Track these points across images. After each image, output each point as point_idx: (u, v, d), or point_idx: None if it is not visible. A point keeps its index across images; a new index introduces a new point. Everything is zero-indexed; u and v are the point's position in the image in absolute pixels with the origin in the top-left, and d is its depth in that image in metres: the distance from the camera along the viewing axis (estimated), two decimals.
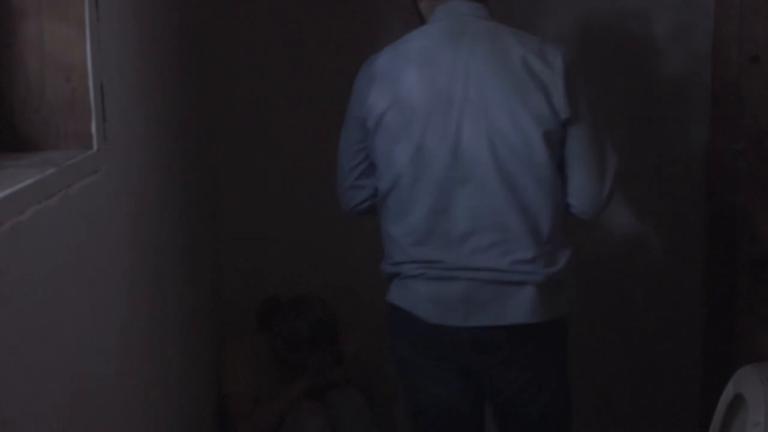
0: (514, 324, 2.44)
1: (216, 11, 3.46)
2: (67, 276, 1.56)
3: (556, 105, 2.40)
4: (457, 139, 2.39)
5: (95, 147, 1.75)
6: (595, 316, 3.65)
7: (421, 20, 2.66)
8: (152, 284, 2.28)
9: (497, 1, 3.17)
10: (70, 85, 1.74)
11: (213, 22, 3.45)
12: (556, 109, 2.40)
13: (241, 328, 3.54)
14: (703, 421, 3.56)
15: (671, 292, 3.69)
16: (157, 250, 2.37)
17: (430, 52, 2.47)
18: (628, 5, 3.54)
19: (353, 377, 3.53)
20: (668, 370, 3.75)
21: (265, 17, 3.52)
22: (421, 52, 2.48)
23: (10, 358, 1.29)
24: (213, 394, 3.31)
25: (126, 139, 2.01)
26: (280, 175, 3.62)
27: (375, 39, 3.55)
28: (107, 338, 1.82)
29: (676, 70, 3.56)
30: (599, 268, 3.62)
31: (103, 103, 1.79)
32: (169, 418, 2.52)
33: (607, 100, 3.57)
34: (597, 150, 2.50)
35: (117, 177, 1.89)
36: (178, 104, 2.82)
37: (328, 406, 3.43)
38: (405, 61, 2.48)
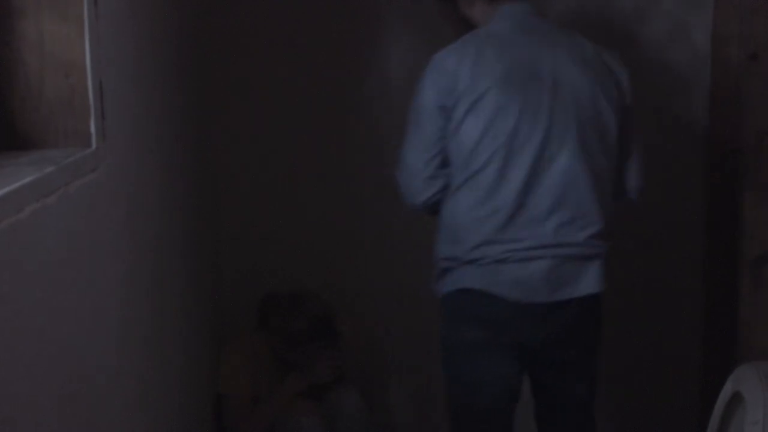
0: (585, 295, 2.65)
1: (215, 10, 3.46)
2: (66, 274, 1.56)
3: (625, 92, 2.70)
4: (549, 121, 2.56)
5: (94, 145, 1.76)
6: None
7: (466, 26, 2.77)
8: (151, 283, 2.28)
9: None
10: (69, 83, 1.75)
11: (212, 21, 3.45)
12: (624, 96, 2.70)
13: (241, 327, 3.54)
14: (702, 419, 3.56)
15: (671, 291, 3.69)
16: (156, 249, 2.37)
17: (514, 42, 2.64)
18: (627, 4, 3.54)
19: (349, 374, 3.53)
20: (667, 368, 3.75)
21: (265, 16, 3.51)
22: (505, 42, 2.64)
23: (8, 356, 1.29)
24: (212, 394, 3.31)
25: (125, 138, 2.01)
26: (279, 174, 3.62)
27: (375, 39, 3.56)
28: (106, 337, 1.82)
29: (675, 68, 3.56)
30: None
31: (102, 102, 1.79)
32: (168, 417, 2.52)
33: None
34: (641, 137, 2.81)
35: (116, 175, 1.90)
36: (177, 103, 2.82)
37: (326, 405, 3.43)
38: (493, 49, 2.61)
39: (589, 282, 2.65)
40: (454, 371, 2.80)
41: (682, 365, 3.73)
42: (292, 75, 3.56)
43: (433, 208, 2.72)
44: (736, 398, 2.92)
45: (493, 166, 2.57)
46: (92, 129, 1.76)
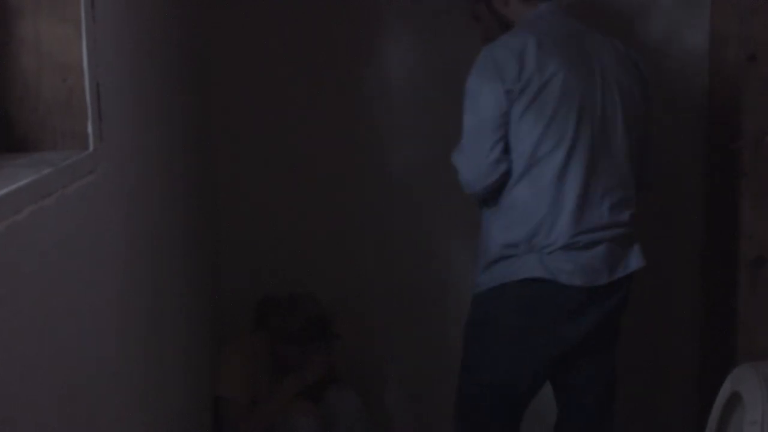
0: (632, 272, 2.82)
1: (214, 10, 3.46)
2: (64, 276, 1.56)
3: (647, 87, 2.88)
4: (603, 107, 2.71)
5: (91, 147, 1.76)
6: None
7: (499, 25, 2.88)
8: (149, 284, 2.28)
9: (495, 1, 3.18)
10: (66, 84, 1.74)
11: (211, 21, 3.45)
12: (647, 90, 2.87)
13: (241, 328, 3.54)
14: (701, 419, 3.56)
15: (669, 291, 3.69)
16: (155, 250, 2.37)
17: (561, 35, 2.78)
18: (625, 4, 3.54)
19: (347, 375, 3.53)
20: (666, 368, 3.76)
21: (264, 17, 3.51)
22: (554, 35, 2.75)
23: (7, 358, 1.29)
24: (212, 395, 3.31)
25: (122, 139, 2.01)
26: (279, 175, 3.62)
27: (375, 40, 3.56)
28: (104, 338, 1.82)
29: (673, 69, 3.56)
30: None
31: (100, 103, 1.79)
32: (168, 418, 2.52)
33: None
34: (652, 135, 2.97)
35: (113, 177, 1.90)
36: (175, 104, 2.82)
37: (324, 406, 3.43)
38: (549, 38, 2.72)
39: (636, 258, 2.81)
40: (491, 362, 2.83)
41: (681, 365, 3.73)
42: (292, 76, 3.56)
43: (494, 194, 2.77)
44: (735, 398, 2.93)
45: (560, 151, 2.66)
46: (90, 131, 1.76)
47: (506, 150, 2.70)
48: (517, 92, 2.65)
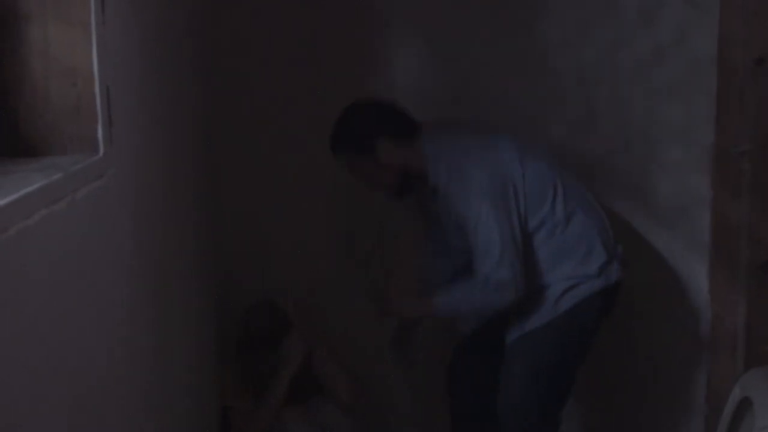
0: None
1: (220, 14, 3.46)
2: (73, 280, 1.55)
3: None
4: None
5: (101, 151, 1.75)
6: None
7: (398, 174, 3.13)
8: (157, 288, 2.27)
9: (499, 1, 3.19)
10: (75, 89, 1.74)
11: (217, 26, 3.45)
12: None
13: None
14: (709, 424, 3.55)
15: (676, 295, 3.69)
16: (163, 254, 2.36)
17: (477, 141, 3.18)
18: (632, 7, 3.54)
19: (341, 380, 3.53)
20: (674, 373, 3.74)
21: (270, 22, 3.52)
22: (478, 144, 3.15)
23: (14, 361, 1.28)
24: (218, 402, 3.31)
25: (132, 143, 2.00)
26: (282, 176, 3.62)
27: (375, 40, 3.56)
28: (111, 343, 1.82)
29: (680, 72, 3.56)
30: None
31: (109, 108, 1.78)
32: (174, 423, 2.51)
33: (610, 100, 3.57)
34: None
35: (123, 181, 1.89)
36: (182, 108, 2.81)
37: (313, 411, 3.41)
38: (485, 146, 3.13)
39: None
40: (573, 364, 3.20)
41: (689, 370, 3.72)
42: (297, 81, 3.57)
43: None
44: (745, 403, 2.92)
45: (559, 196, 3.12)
46: (99, 135, 1.75)
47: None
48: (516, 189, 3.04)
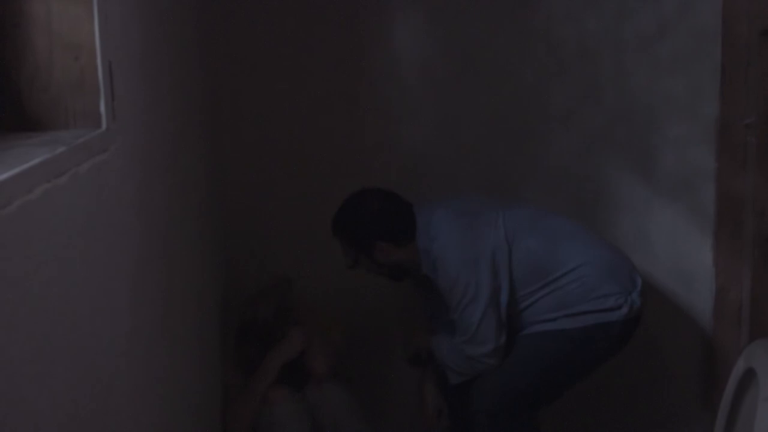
0: None
1: None
2: (77, 254, 1.55)
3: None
4: None
5: (104, 126, 1.75)
6: None
7: (393, 270, 3.33)
8: (161, 262, 2.28)
9: None
10: (78, 64, 1.74)
11: (220, 2, 3.45)
12: None
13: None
14: (712, 396, 3.56)
15: (681, 268, 3.69)
16: (167, 228, 2.37)
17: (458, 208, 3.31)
18: None
19: (333, 369, 3.53)
20: (678, 345, 3.75)
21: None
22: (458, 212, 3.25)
23: (20, 337, 1.29)
24: (220, 376, 3.32)
25: (135, 118, 2.01)
26: (285, 155, 3.62)
27: (378, 12, 3.55)
28: (116, 317, 1.82)
29: (684, 44, 3.55)
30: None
31: (112, 82, 1.78)
32: (180, 396, 2.52)
33: (614, 73, 3.57)
34: None
35: (126, 155, 1.89)
36: (185, 82, 2.81)
37: (308, 396, 3.41)
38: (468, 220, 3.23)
39: None
40: (572, 378, 3.29)
41: (693, 342, 3.73)
42: (298, 56, 3.56)
43: None
44: (749, 375, 2.92)
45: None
46: (102, 109, 1.75)
47: None
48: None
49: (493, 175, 3.65)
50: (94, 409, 1.63)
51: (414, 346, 3.48)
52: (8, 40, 1.73)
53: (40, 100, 1.75)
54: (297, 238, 3.65)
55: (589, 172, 3.66)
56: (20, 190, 1.33)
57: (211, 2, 3.40)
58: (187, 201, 2.76)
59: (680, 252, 3.67)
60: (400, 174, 3.62)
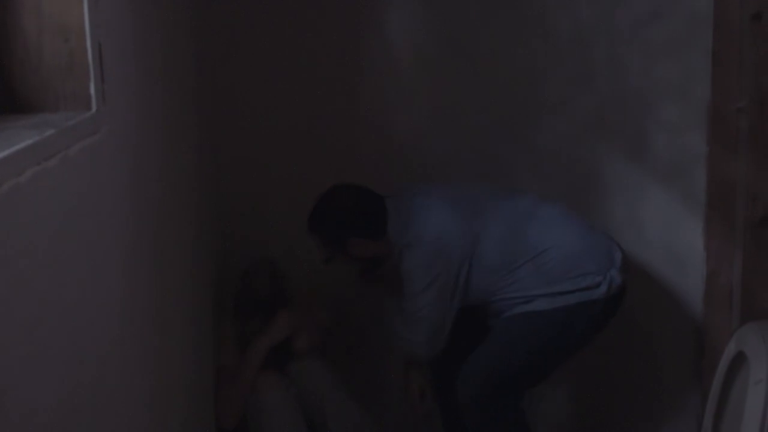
0: None
1: None
2: (67, 237, 1.55)
3: None
4: None
5: (94, 108, 1.74)
6: None
7: (369, 263, 3.36)
8: (152, 245, 2.27)
9: None
10: (67, 46, 1.73)
11: None
12: None
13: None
14: (703, 378, 3.57)
15: (672, 252, 3.69)
16: (158, 210, 2.36)
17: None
18: None
19: (316, 345, 3.54)
20: (668, 328, 3.76)
21: None
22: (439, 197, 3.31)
23: (9, 321, 1.29)
24: (212, 359, 3.32)
25: (125, 100, 2.00)
26: (280, 137, 3.62)
27: (371, 27, 3.55)
28: (108, 300, 1.82)
29: (676, 29, 3.54)
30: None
31: (102, 64, 1.77)
32: (170, 384, 2.52)
33: (606, 59, 3.56)
34: None
35: (116, 138, 1.89)
36: (177, 64, 2.81)
37: (294, 379, 3.41)
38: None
39: None
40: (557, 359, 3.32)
41: (684, 326, 3.74)
42: (293, 42, 3.56)
43: None
44: (740, 358, 2.93)
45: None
46: (92, 92, 1.74)
47: None
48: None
49: (487, 161, 3.65)
50: (86, 392, 1.63)
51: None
52: None
53: (30, 82, 1.74)
54: (289, 219, 3.64)
55: (581, 157, 3.66)
56: (9, 173, 1.32)
57: None
58: (179, 184, 2.75)
59: (671, 236, 3.67)
60: (394, 160, 3.62)
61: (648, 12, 3.54)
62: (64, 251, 1.53)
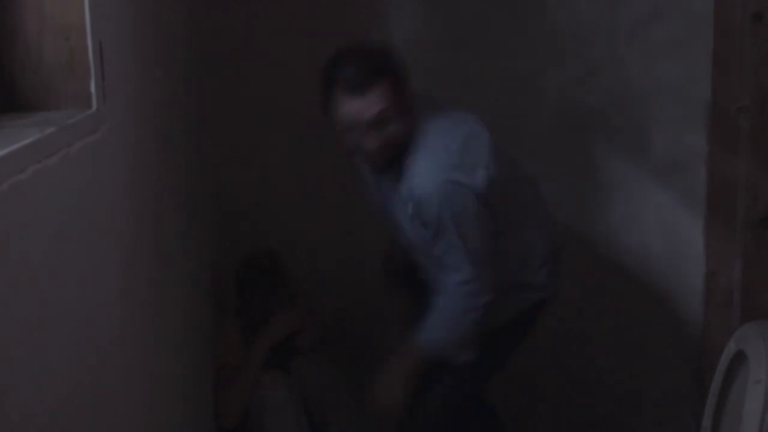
0: None
1: None
2: (67, 235, 1.55)
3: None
4: None
5: (95, 106, 1.75)
6: (589, 276, 3.66)
7: None
8: (152, 243, 2.28)
9: None
10: (68, 44, 1.73)
11: None
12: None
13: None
14: (703, 378, 3.57)
15: (672, 251, 3.69)
16: (157, 209, 2.36)
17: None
18: None
19: (318, 343, 3.53)
20: (669, 327, 3.76)
21: None
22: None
23: (10, 318, 1.29)
24: (211, 359, 3.32)
25: (126, 99, 2.00)
26: (278, 135, 3.61)
27: (370, 23, 3.54)
28: (108, 298, 1.82)
29: (677, 29, 3.54)
30: (601, 229, 3.63)
31: (102, 63, 1.77)
32: (169, 380, 2.52)
33: (607, 58, 3.56)
34: None
35: (117, 136, 1.89)
36: (177, 63, 2.81)
37: (294, 376, 3.41)
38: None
39: None
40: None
41: (683, 325, 3.74)
42: (292, 34, 3.55)
43: None
44: (739, 357, 2.93)
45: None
46: (93, 90, 1.74)
47: None
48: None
49: None
50: (86, 392, 1.63)
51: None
52: None
53: (31, 80, 1.75)
54: (289, 219, 3.65)
55: (581, 156, 3.66)
56: (11, 171, 1.32)
57: None
58: (179, 181, 2.75)
59: (671, 235, 3.67)
60: None
61: (648, 12, 3.53)
62: (64, 249, 1.53)
